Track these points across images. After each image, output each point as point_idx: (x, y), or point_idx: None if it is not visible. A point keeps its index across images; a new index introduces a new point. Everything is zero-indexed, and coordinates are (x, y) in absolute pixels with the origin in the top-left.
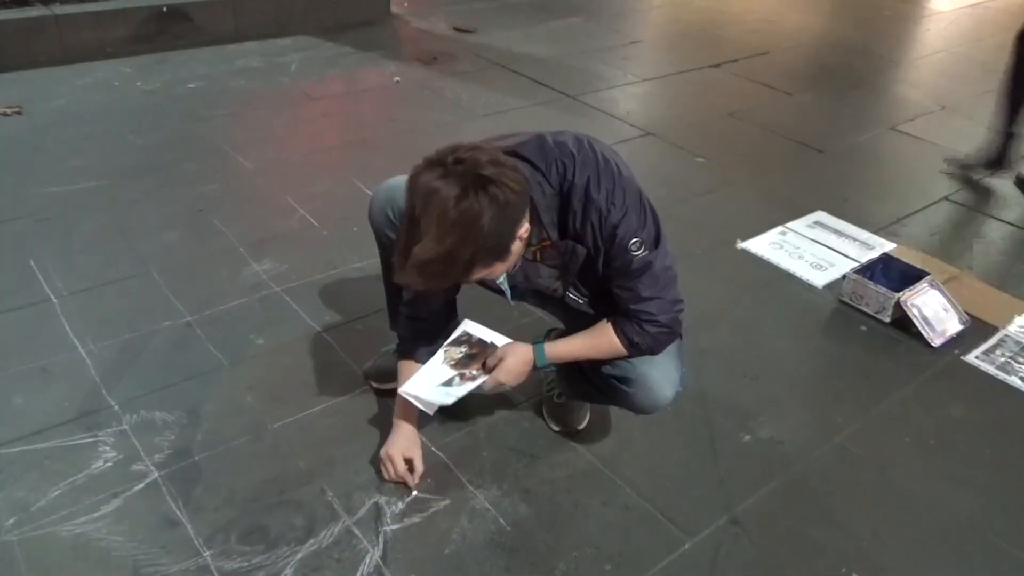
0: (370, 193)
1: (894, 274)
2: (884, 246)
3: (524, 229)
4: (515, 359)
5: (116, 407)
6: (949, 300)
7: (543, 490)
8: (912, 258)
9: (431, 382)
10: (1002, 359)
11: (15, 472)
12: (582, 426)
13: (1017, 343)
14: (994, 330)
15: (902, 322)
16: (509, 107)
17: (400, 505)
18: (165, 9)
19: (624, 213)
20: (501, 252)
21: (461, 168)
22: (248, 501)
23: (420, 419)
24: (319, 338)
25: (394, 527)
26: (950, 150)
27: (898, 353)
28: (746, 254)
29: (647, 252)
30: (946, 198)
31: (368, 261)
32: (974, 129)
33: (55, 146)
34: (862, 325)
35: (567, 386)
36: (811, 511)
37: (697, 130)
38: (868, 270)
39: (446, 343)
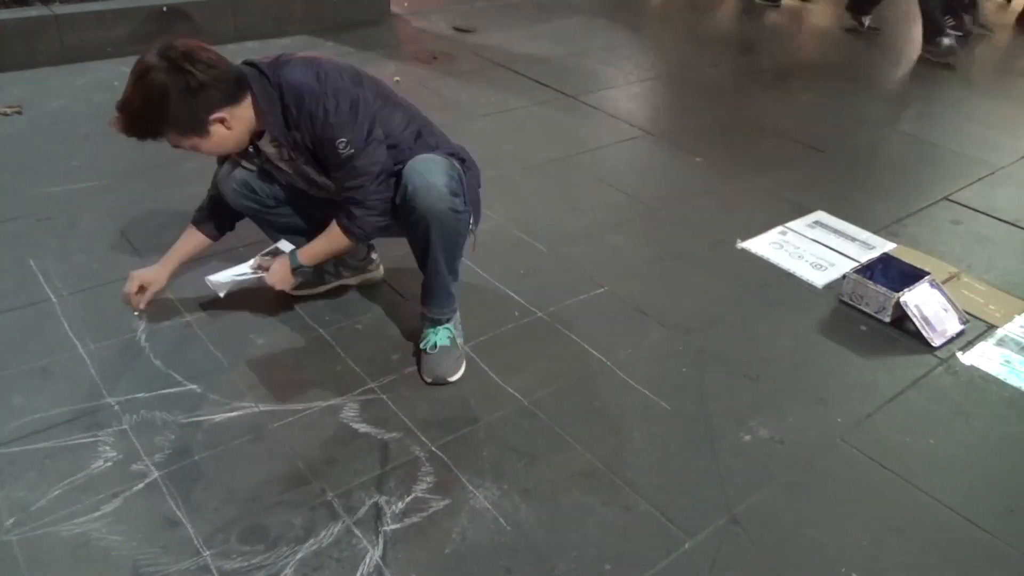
0: None
1: (894, 274)
2: (884, 246)
3: (218, 118)
4: (278, 264)
5: (116, 407)
6: (949, 300)
7: (543, 490)
8: (912, 258)
9: (230, 274)
10: (1002, 359)
11: (15, 472)
12: (454, 377)
13: (1017, 343)
14: (994, 330)
15: (902, 322)
16: (509, 107)
17: (400, 505)
18: (165, 9)
19: (333, 118)
20: (193, 129)
21: (172, 52)
22: (248, 501)
23: (178, 269)
24: (319, 338)
25: (394, 527)
26: (950, 150)
27: (898, 353)
28: (746, 254)
29: (353, 150)
30: (946, 198)
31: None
32: (974, 128)
33: (55, 146)
34: (862, 325)
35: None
36: (811, 511)
37: (697, 130)
38: (868, 270)
39: (260, 254)
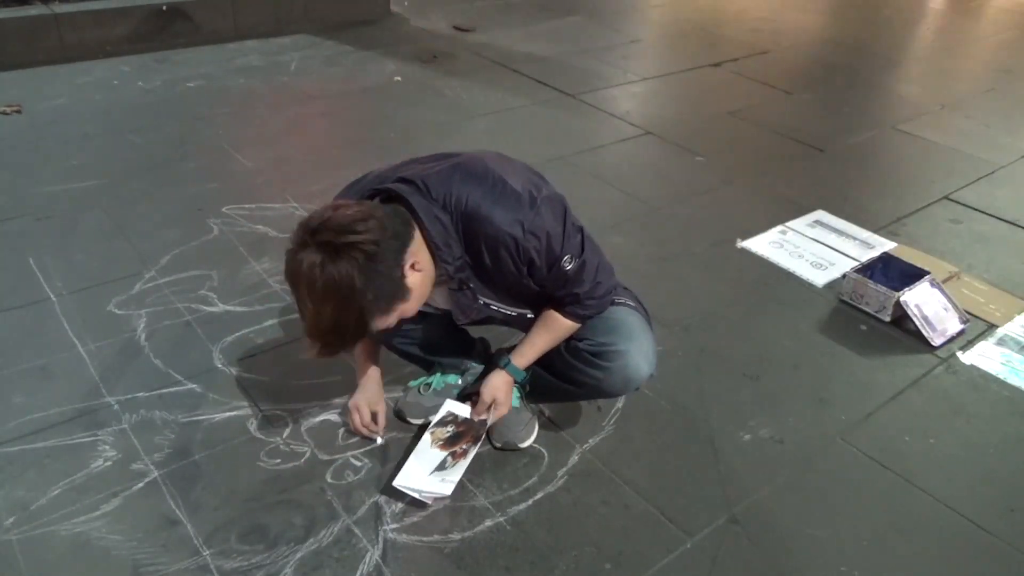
0: None
1: (894, 273)
2: (884, 245)
3: (409, 264)
4: (501, 392)
5: (116, 406)
6: (949, 299)
7: (543, 490)
8: (912, 257)
9: (424, 470)
10: (1002, 359)
11: (15, 471)
12: (525, 444)
13: (1017, 343)
14: (994, 329)
15: (902, 321)
16: (509, 106)
17: (400, 505)
18: (165, 8)
19: (546, 241)
20: (394, 295)
21: (318, 238)
22: (248, 500)
23: (382, 375)
24: None
25: (394, 527)
26: (950, 149)
27: (898, 352)
28: (746, 253)
29: (577, 260)
30: (946, 197)
31: None
32: (974, 127)
33: (55, 145)
34: (862, 324)
35: (535, 391)
36: (811, 511)
37: (697, 129)
38: (868, 269)
39: (432, 425)
